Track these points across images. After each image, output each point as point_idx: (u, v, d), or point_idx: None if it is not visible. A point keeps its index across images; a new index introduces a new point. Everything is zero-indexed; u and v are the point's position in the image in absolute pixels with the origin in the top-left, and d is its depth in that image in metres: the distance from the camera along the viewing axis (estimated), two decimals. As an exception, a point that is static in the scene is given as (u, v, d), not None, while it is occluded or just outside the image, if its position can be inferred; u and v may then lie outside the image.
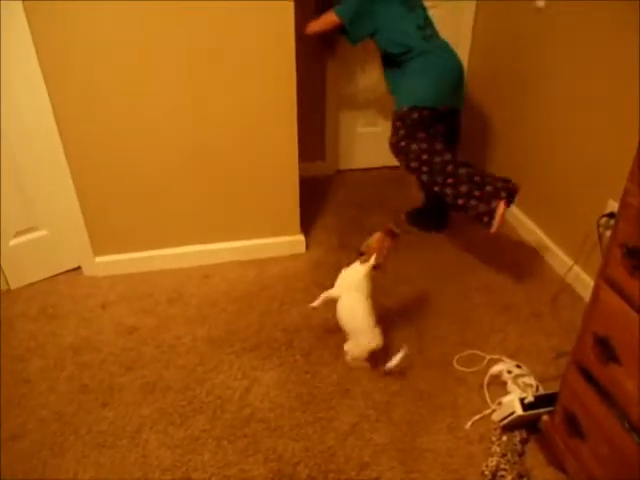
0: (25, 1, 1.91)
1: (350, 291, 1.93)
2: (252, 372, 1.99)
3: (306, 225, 2.79)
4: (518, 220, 2.86)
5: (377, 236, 1.99)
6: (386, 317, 2.24)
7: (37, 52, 2.00)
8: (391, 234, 2.00)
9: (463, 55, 3.18)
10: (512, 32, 2.77)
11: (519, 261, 2.64)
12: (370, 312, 1.92)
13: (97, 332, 2.18)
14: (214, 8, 2.06)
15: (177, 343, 2.13)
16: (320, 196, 3.19)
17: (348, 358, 1.99)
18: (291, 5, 2.11)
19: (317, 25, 2.55)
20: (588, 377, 1.45)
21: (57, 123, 2.14)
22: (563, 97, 2.42)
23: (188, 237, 2.54)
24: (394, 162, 3.07)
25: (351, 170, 3.51)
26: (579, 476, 1.52)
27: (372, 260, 1.90)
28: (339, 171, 3.50)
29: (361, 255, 1.95)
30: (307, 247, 2.71)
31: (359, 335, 1.93)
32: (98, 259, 2.48)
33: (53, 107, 2.11)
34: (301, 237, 2.68)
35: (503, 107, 2.94)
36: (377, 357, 1.97)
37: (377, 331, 1.92)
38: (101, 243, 2.45)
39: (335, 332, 2.16)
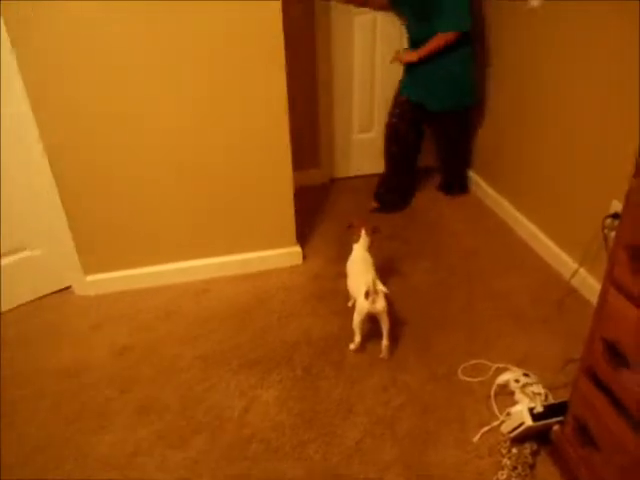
0: (4, 1, 1.89)
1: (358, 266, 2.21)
2: (251, 390, 1.98)
3: (303, 236, 2.78)
4: (520, 224, 2.85)
5: (356, 218, 2.40)
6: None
7: (19, 65, 1.99)
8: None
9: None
10: (507, 32, 2.78)
11: (523, 266, 2.63)
12: (366, 277, 2.01)
13: (89, 353, 2.17)
14: (200, 14, 2.06)
15: (172, 362, 2.11)
16: (316, 205, 3.19)
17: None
18: (278, 5, 2.10)
19: (427, 51, 2.67)
20: (599, 384, 1.43)
21: (42, 139, 2.13)
22: (563, 96, 2.42)
23: (182, 252, 2.53)
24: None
25: (347, 178, 3.50)
26: (594, 488, 1.50)
27: (363, 234, 2.27)
28: (335, 179, 3.50)
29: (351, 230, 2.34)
30: (304, 258, 2.70)
31: (357, 298, 2.07)
32: (89, 278, 2.47)
33: (38, 123, 2.10)
34: (298, 248, 2.67)
35: (502, 108, 2.94)
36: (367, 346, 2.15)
37: (371, 298, 1.99)
38: (92, 261, 2.44)
39: (336, 345, 2.16)
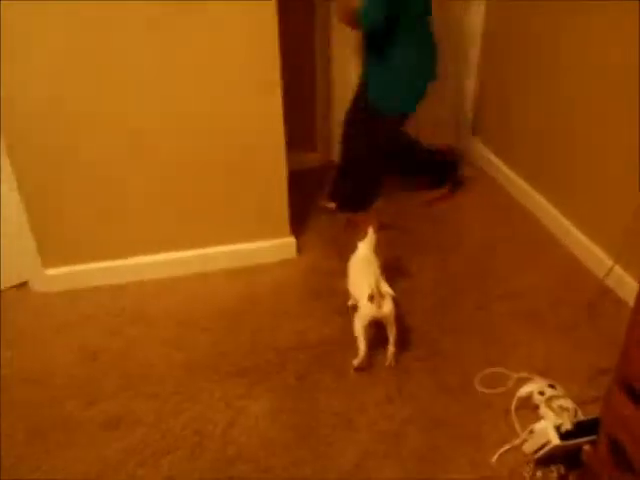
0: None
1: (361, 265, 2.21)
2: (237, 401, 1.97)
3: (297, 225, 2.77)
4: (546, 213, 2.84)
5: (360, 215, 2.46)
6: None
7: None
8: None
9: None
10: (534, 14, 2.76)
11: (548, 262, 2.62)
12: (370, 279, 1.99)
13: (50, 359, 2.15)
14: None
15: (147, 369, 2.10)
16: (312, 192, 3.17)
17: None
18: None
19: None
20: (635, 398, 1.40)
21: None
22: (592, 74, 2.42)
23: (160, 243, 2.51)
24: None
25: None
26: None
27: (371, 232, 2.24)
28: (333, 162, 3.43)
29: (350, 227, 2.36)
30: (299, 251, 2.70)
31: (359, 301, 2.05)
32: (49, 272, 2.45)
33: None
34: (291, 239, 2.68)
35: (525, 85, 2.94)
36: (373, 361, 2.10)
37: (376, 301, 1.96)
38: (52, 253, 2.42)
39: (335, 350, 2.16)
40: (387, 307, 1.97)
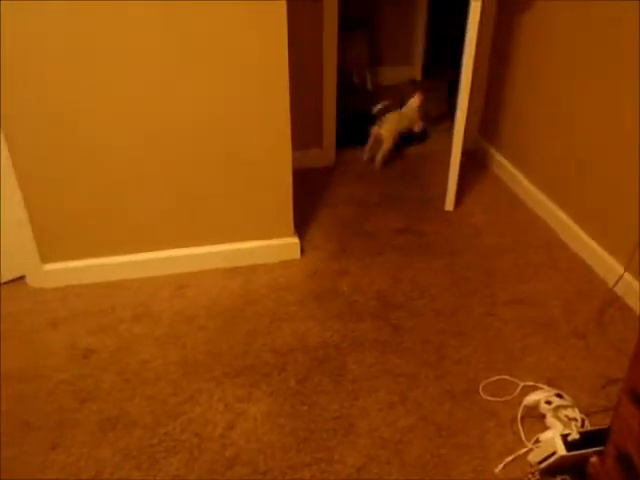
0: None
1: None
2: (236, 403, 1.97)
3: (301, 226, 2.78)
4: (555, 218, 2.84)
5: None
6: (397, 335, 2.25)
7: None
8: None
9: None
10: (552, 17, 2.77)
11: (557, 268, 2.62)
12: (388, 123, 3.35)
13: (45, 356, 2.14)
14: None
15: (144, 369, 2.10)
16: (317, 191, 3.18)
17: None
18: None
19: None
20: (646, 409, 1.41)
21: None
22: (605, 78, 2.42)
23: (158, 240, 2.51)
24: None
25: (354, 159, 3.49)
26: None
27: (418, 94, 3.50)
28: (340, 160, 3.48)
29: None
30: (302, 252, 2.70)
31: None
32: (47, 267, 2.45)
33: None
34: (295, 240, 2.67)
35: (533, 82, 2.94)
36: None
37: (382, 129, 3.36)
38: (51, 247, 2.41)
39: (335, 353, 2.16)
40: (384, 129, 3.32)
